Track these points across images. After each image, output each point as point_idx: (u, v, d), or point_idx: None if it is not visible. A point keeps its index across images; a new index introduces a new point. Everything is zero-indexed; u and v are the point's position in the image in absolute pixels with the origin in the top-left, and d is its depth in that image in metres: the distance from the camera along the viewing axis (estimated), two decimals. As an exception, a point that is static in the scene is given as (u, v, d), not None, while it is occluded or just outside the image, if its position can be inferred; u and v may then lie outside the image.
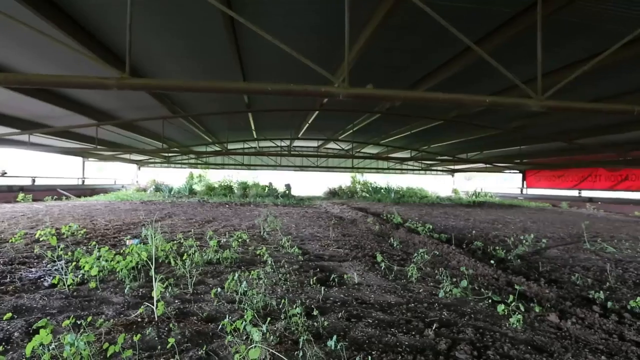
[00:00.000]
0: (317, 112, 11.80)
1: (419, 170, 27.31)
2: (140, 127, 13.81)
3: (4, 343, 2.42)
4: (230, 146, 21.43)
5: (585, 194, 19.37)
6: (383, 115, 11.33)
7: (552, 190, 21.65)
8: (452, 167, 26.31)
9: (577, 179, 19.66)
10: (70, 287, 3.57)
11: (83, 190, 18.67)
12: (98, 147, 11.32)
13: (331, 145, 22.84)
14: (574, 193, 19.99)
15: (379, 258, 4.72)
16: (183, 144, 19.15)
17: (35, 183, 15.92)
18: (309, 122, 13.28)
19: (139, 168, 25.20)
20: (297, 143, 22.29)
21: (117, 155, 19.35)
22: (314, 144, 22.22)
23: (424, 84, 7.77)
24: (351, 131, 14.85)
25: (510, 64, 3.85)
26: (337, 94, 3.48)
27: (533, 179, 23.21)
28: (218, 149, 19.46)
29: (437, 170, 26.89)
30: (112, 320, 2.81)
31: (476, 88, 8.34)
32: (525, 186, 23.86)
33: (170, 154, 22.14)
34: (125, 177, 24.95)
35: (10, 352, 2.32)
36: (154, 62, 7.27)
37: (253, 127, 15.40)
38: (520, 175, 23.94)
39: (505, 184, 28.99)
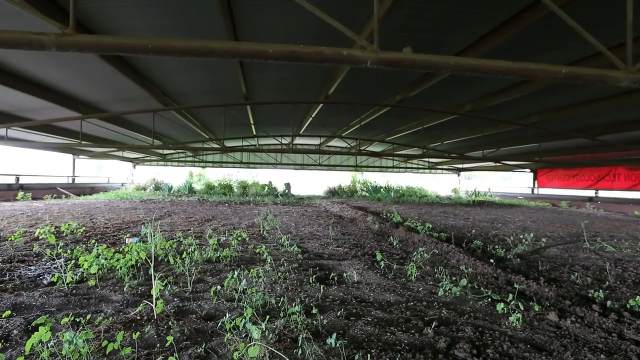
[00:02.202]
0: (320, 105, 11.16)
1: (423, 168, 26.69)
2: (130, 122, 13.22)
3: (3, 340, 2.42)
4: (229, 143, 20.85)
5: (603, 194, 18.02)
6: (391, 109, 10.69)
7: (565, 191, 20.38)
8: (459, 165, 25.35)
9: (593, 178, 18.31)
10: (70, 285, 3.56)
11: (79, 189, 18.31)
12: (83, 142, 10.76)
13: (333, 143, 22.24)
14: (590, 193, 18.58)
15: (379, 257, 4.71)
16: (179, 141, 18.56)
17: (20, 181, 15.14)
18: (312, 115, 12.55)
19: (134, 166, 24.76)
20: (298, 140, 21.76)
21: (108, 152, 18.79)
22: (316, 141, 21.65)
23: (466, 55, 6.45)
24: (355, 127, 14.10)
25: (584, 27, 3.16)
26: (363, 60, 2.84)
27: (545, 178, 21.99)
28: (216, 145, 18.89)
29: (442, 168, 26.04)
30: (111, 318, 2.81)
31: (534, 60, 7.12)
32: (536, 186, 22.77)
33: (162, 150, 21.34)
34: (120, 175, 24.46)
35: (10, 350, 2.32)
36: (118, 25, 5.86)
37: (252, 122, 14.67)
38: (531, 174, 22.83)
39: (505, 183, 28.96)
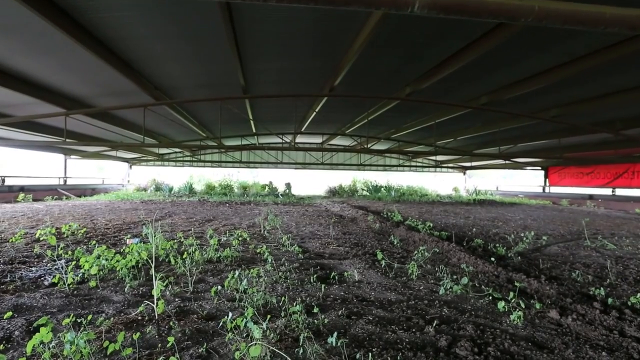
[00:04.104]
0: (324, 99, 10.56)
1: (429, 167, 25.83)
2: (121, 119, 12.60)
3: (4, 342, 2.42)
4: (228, 142, 20.34)
5: (620, 192, 17.00)
6: (400, 104, 10.10)
7: (579, 189, 19.27)
8: (467, 164, 24.04)
9: (610, 175, 17.23)
10: (71, 286, 3.57)
11: (80, 191, 18.06)
12: (67, 140, 9.89)
13: (336, 141, 21.74)
14: (606, 192, 17.54)
15: (380, 256, 4.71)
16: (175, 140, 17.86)
17: (5, 183, 14.42)
18: (316, 110, 11.69)
19: (131, 166, 24.13)
20: (299, 139, 21.35)
21: (101, 152, 18.26)
22: (318, 139, 21.18)
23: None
24: (361, 124, 13.39)
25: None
26: (409, 1, 2.29)
27: (556, 176, 20.87)
28: (212, 143, 17.88)
29: (448, 167, 25.08)
30: (112, 318, 2.81)
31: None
32: (547, 184, 21.70)
33: (158, 149, 20.87)
34: (117, 176, 23.88)
35: (11, 351, 2.32)
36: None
37: (251, 117, 13.73)
38: (542, 172, 21.82)
39: (505, 181, 28.85)
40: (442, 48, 6.89)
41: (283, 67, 8.43)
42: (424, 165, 25.50)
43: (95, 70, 7.67)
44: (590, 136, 13.21)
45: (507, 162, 18.29)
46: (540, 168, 21.85)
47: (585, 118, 11.27)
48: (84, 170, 21.72)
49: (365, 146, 13.02)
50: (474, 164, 23.35)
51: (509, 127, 12.47)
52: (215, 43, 6.76)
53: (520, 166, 20.27)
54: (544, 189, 22.11)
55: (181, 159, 23.67)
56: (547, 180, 21.93)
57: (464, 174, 28.49)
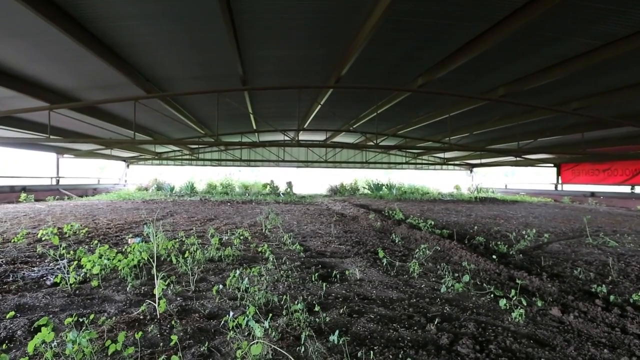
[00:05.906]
0: (330, 91, 9.90)
1: (435, 164, 25.31)
2: (113, 115, 11.99)
3: (7, 341, 2.43)
4: (228, 140, 19.40)
5: (624, 190, 16.51)
6: (410, 97, 9.65)
7: (595, 187, 18.42)
8: (476, 161, 23.17)
9: (628, 172, 16.27)
10: (73, 285, 3.58)
11: (81, 190, 18.02)
12: (52, 137, 9.06)
13: (339, 139, 20.94)
14: (608, 189, 17.20)
15: (381, 254, 4.71)
16: (172, 138, 17.18)
17: None
18: (321, 103, 10.83)
19: (128, 166, 23.68)
20: (301, 137, 20.71)
21: (96, 151, 17.83)
22: (321, 136, 20.42)
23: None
24: (367, 119, 12.97)
25: None
26: None
27: (570, 173, 19.99)
28: (210, 140, 16.94)
29: (455, 164, 24.19)
30: (114, 317, 2.81)
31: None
32: (560, 181, 20.85)
33: (154, 146, 20.43)
34: (113, 176, 23.52)
35: (14, 350, 2.33)
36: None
37: (250, 111, 12.79)
38: (554, 169, 21.08)
39: (507, 179, 28.80)
40: (460, 31, 6.28)
41: (285, 54, 7.89)
42: (430, 162, 25.11)
43: (80, 60, 7.02)
44: (613, 130, 12.47)
45: (518, 159, 17.47)
46: (552, 165, 21.00)
47: (609, 110, 10.65)
48: (86, 170, 21.76)
49: (374, 142, 11.94)
50: (483, 161, 22.52)
51: (526, 122, 11.78)
52: (208, 23, 6.08)
53: (532, 163, 19.39)
54: (556, 187, 21.21)
55: (180, 157, 23.18)
56: (559, 177, 21.00)
57: (471, 171, 28.13)
